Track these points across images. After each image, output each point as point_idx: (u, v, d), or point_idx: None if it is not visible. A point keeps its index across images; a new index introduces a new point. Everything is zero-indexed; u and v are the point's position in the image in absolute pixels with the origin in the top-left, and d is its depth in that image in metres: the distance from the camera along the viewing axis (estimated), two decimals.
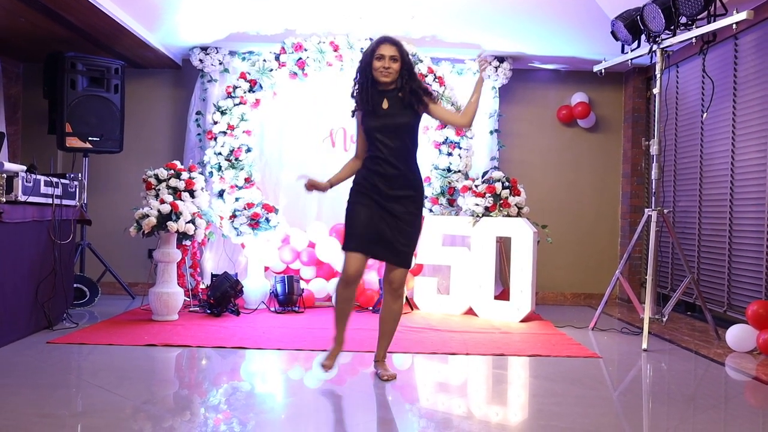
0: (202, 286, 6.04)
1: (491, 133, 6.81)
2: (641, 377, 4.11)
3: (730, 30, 4.60)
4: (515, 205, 5.88)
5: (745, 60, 5.22)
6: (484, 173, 6.26)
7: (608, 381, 3.96)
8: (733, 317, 5.13)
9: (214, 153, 6.24)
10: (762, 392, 3.72)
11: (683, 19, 4.77)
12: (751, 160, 5.10)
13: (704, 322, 5.18)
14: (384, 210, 3.60)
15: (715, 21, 4.56)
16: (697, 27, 4.73)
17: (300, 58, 6.24)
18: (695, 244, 5.90)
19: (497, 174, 6.02)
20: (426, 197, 6.29)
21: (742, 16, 4.33)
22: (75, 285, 5.64)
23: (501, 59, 6.72)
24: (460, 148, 6.29)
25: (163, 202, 5.26)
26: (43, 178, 4.68)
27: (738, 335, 4.56)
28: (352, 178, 3.78)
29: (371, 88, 3.66)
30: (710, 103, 5.41)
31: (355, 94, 3.76)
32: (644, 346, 4.59)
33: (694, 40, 4.80)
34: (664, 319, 4.97)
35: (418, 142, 3.76)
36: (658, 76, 5.04)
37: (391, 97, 3.67)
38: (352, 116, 3.83)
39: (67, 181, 5.05)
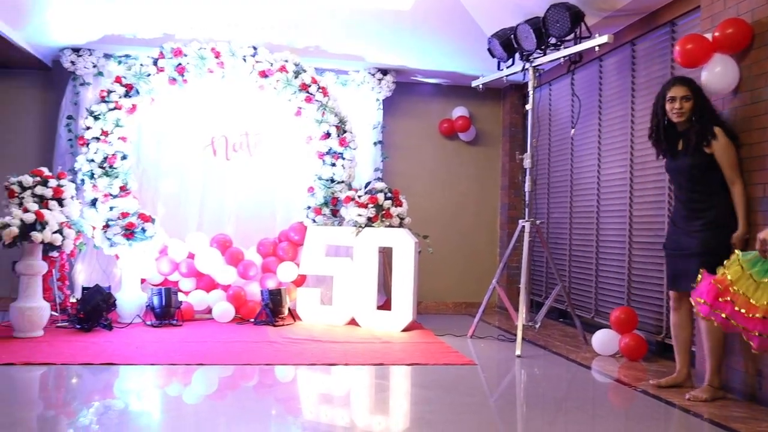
0: (71, 299, 5.70)
1: (375, 144, 6.90)
2: (515, 382, 4.27)
3: (594, 52, 4.90)
4: (397, 215, 5.97)
5: (609, 80, 5.57)
6: (367, 184, 6.32)
7: (484, 387, 4.08)
8: (600, 322, 5.44)
9: (87, 160, 5.93)
10: (623, 393, 3.96)
11: (552, 40, 5.04)
12: (615, 174, 5.44)
13: (574, 327, 5.46)
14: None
15: (580, 43, 4.85)
16: (565, 48, 5.02)
17: (179, 64, 6.05)
18: (567, 253, 6.22)
19: (380, 185, 6.09)
20: (309, 207, 6.29)
21: (603, 39, 4.63)
22: None
23: (384, 72, 6.83)
24: (344, 159, 6.31)
25: (26, 210, 4.93)
26: None
27: (602, 340, 4.83)
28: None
29: (666, 130, 3.81)
30: (577, 120, 5.73)
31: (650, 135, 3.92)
32: (518, 352, 4.78)
33: (562, 60, 5.09)
34: (537, 326, 5.20)
35: (716, 181, 3.71)
36: (531, 93, 5.28)
37: (685, 138, 3.76)
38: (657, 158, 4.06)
39: None
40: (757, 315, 3.10)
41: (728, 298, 3.21)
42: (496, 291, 5.50)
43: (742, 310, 3.15)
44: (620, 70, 5.39)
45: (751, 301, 3.13)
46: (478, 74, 6.07)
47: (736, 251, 3.36)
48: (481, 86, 5.99)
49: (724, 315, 3.23)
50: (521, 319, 4.96)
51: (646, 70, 5.03)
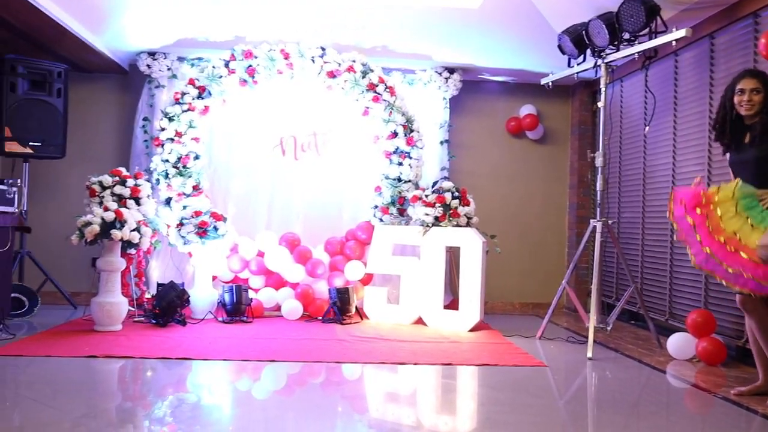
0: (147, 295, 5.90)
1: (441, 143, 6.87)
2: (586, 385, 4.17)
3: (670, 47, 4.74)
4: (464, 215, 5.93)
5: (685, 76, 5.38)
6: (434, 183, 6.30)
7: (554, 389, 4.01)
8: (675, 326, 5.26)
9: (162, 160, 6.12)
10: (700, 399, 3.82)
11: (626, 35, 4.91)
12: (690, 173, 5.24)
13: (647, 330, 5.30)
14: None
15: (656, 37, 4.71)
16: (639, 43, 4.88)
17: (250, 66, 6.18)
18: (639, 254, 6.04)
19: (447, 184, 6.06)
20: (377, 206, 6.31)
21: (681, 33, 4.48)
22: (13, 295, 5.45)
23: (451, 70, 6.79)
24: (411, 158, 6.31)
25: (106, 209, 5.13)
26: None
27: (678, 343, 4.68)
28: None
29: (733, 122, 3.71)
30: (652, 117, 5.56)
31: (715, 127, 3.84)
32: (589, 354, 4.67)
33: (636, 55, 4.95)
34: (609, 328, 5.08)
35: None
36: (603, 89, 5.16)
37: (753, 130, 3.66)
38: (724, 153, 3.90)
39: (4, 187, 4.88)
40: (720, 238, 3.31)
41: (705, 212, 3.41)
42: (565, 292, 5.39)
43: (710, 228, 3.37)
44: (698, 65, 5.20)
45: (721, 224, 3.35)
46: (546, 71, 5.97)
47: (737, 179, 3.50)
48: (550, 84, 5.89)
49: (690, 221, 3.46)
50: (592, 320, 4.85)
51: (726, 64, 4.83)
